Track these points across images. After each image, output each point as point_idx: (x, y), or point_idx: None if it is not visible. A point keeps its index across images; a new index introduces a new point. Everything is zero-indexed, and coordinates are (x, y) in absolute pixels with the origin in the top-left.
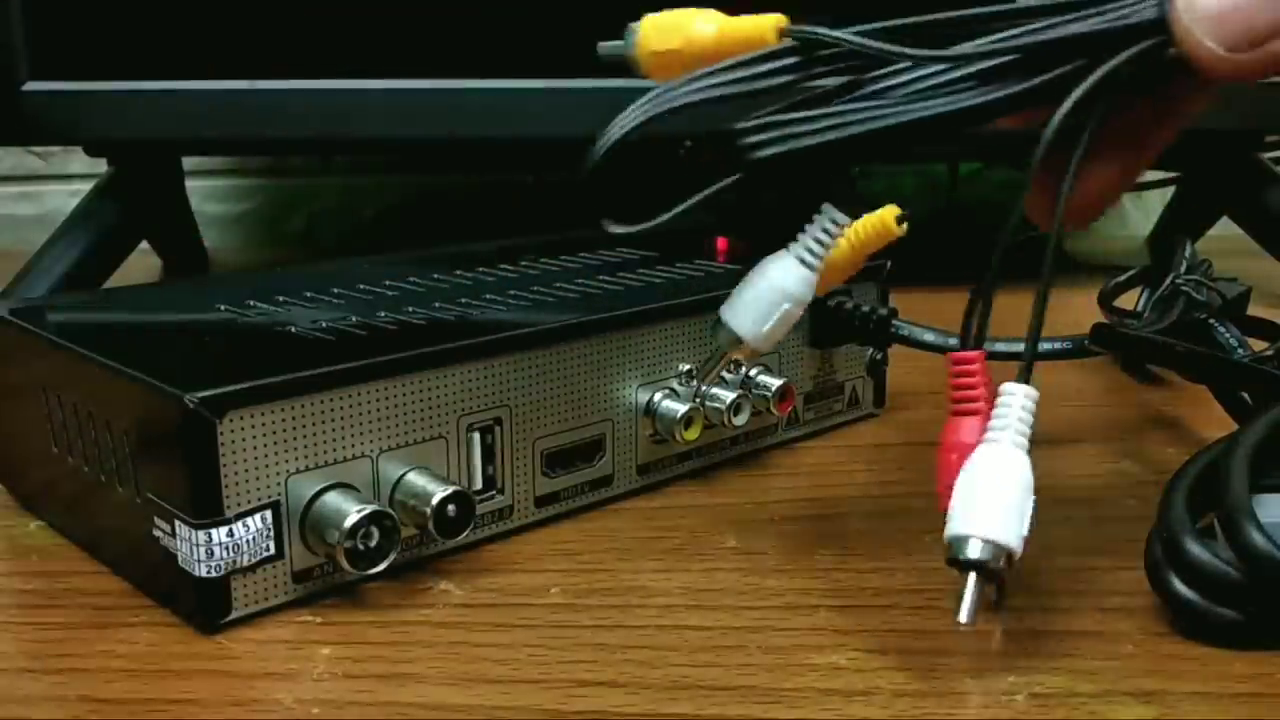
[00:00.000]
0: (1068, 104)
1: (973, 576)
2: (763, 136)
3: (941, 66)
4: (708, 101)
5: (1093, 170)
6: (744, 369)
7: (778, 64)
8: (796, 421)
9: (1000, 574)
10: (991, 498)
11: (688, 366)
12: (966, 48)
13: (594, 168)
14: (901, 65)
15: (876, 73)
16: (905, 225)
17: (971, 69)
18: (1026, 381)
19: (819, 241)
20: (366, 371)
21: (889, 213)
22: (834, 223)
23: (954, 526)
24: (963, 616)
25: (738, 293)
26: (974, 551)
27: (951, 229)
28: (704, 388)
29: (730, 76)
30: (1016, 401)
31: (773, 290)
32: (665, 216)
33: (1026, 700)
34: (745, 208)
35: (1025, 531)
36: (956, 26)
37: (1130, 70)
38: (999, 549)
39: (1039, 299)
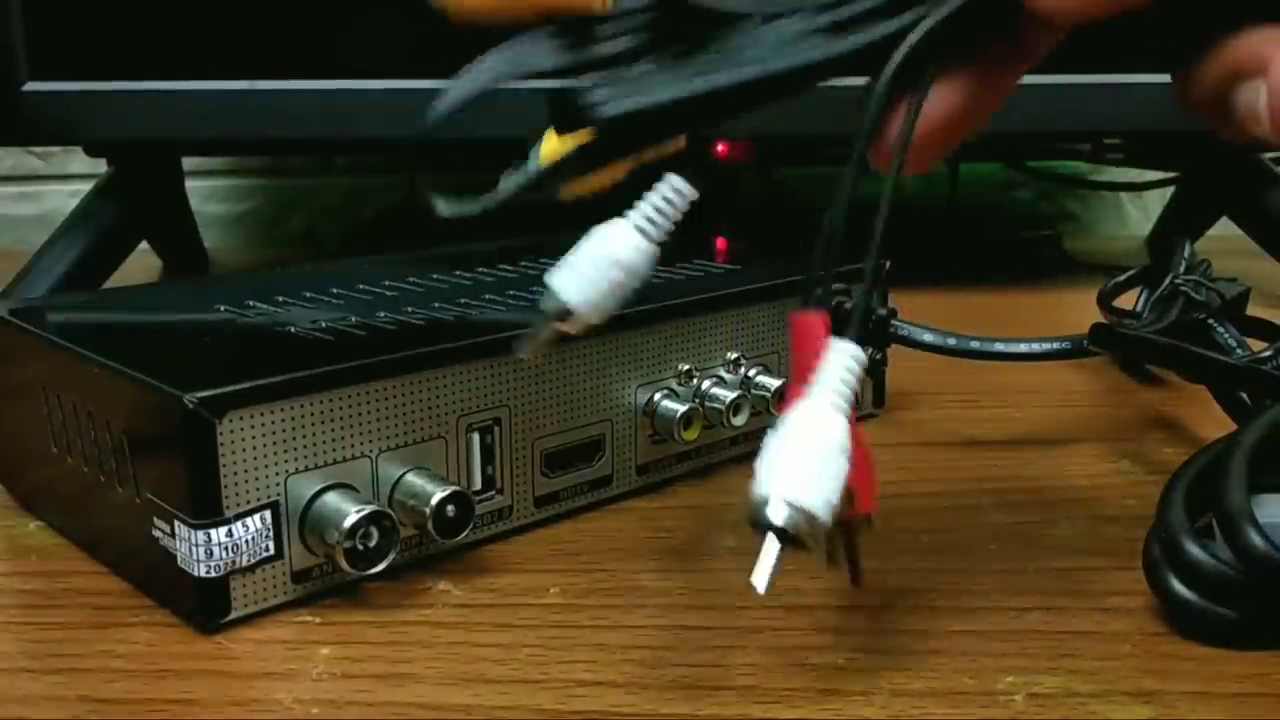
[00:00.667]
0: (901, 51)
1: (771, 540)
2: (608, 93)
3: (792, 20)
4: (553, 71)
5: (930, 103)
6: (743, 369)
7: (626, 23)
8: None
9: (803, 541)
10: (800, 459)
11: (687, 366)
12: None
13: (431, 126)
14: (748, 23)
15: (723, 31)
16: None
17: (824, 20)
18: (859, 340)
19: (660, 211)
20: (366, 371)
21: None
22: (676, 192)
23: (758, 487)
24: (757, 582)
25: (570, 259)
26: (775, 515)
27: (951, 229)
28: (525, 356)
29: (573, 39)
30: (839, 360)
31: (606, 259)
32: (499, 195)
33: (1025, 700)
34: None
35: (834, 498)
36: None
37: (970, 12)
38: (801, 513)
39: (874, 242)
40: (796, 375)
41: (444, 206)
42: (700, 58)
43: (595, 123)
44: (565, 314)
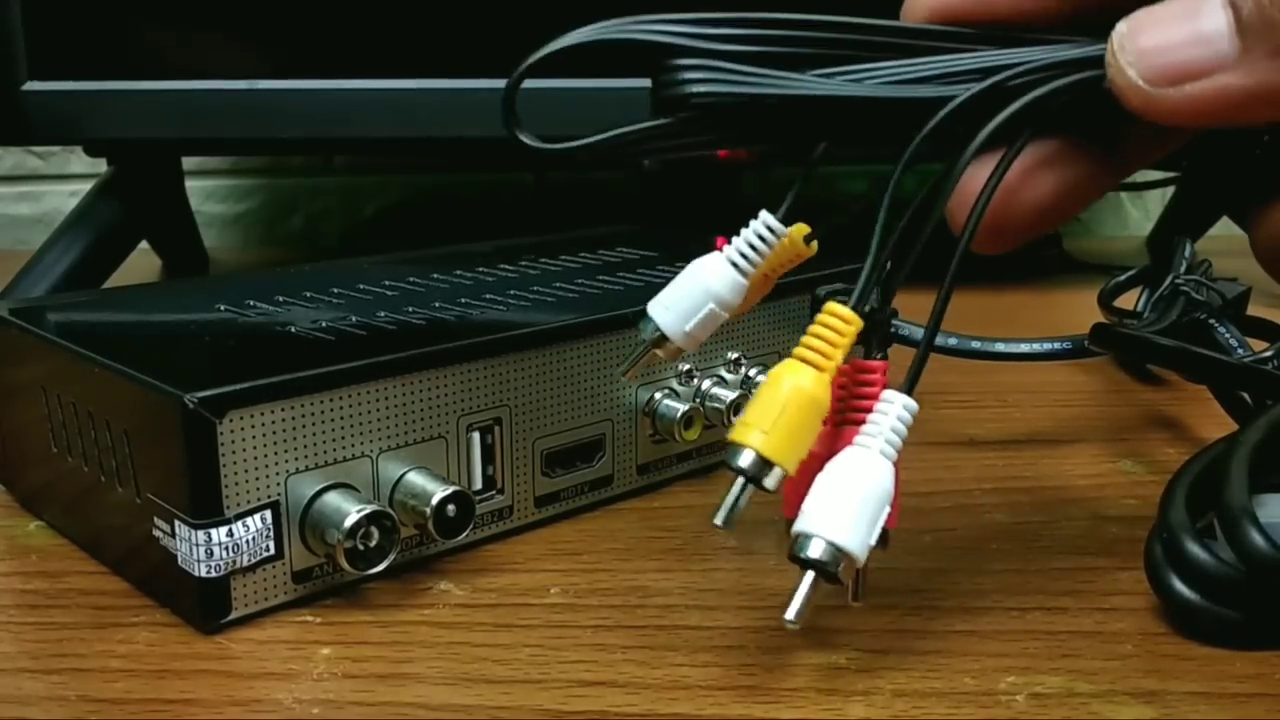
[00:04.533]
0: (998, 118)
1: (809, 576)
2: (700, 75)
3: (904, 62)
4: (660, 46)
5: (1029, 188)
6: (744, 369)
7: (758, 30)
8: None
9: (839, 578)
10: (846, 502)
11: (687, 366)
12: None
13: (518, 79)
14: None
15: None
16: (814, 244)
17: (934, 69)
18: (909, 392)
19: (752, 247)
20: (366, 371)
21: (797, 231)
22: (769, 229)
23: (801, 522)
24: (790, 614)
25: (667, 289)
26: (815, 551)
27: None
28: (626, 380)
29: (700, 30)
30: (893, 410)
31: (700, 290)
32: (591, 140)
33: (1026, 700)
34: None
35: (872, 542)
36: (921, 37)
37: (1066, 99)
38: (840, 553)
39: (939, 302)
40: (846, 417)
41: (532, 140)
42: (810, 72)
43: (679, 101)
44: (661, 341)
